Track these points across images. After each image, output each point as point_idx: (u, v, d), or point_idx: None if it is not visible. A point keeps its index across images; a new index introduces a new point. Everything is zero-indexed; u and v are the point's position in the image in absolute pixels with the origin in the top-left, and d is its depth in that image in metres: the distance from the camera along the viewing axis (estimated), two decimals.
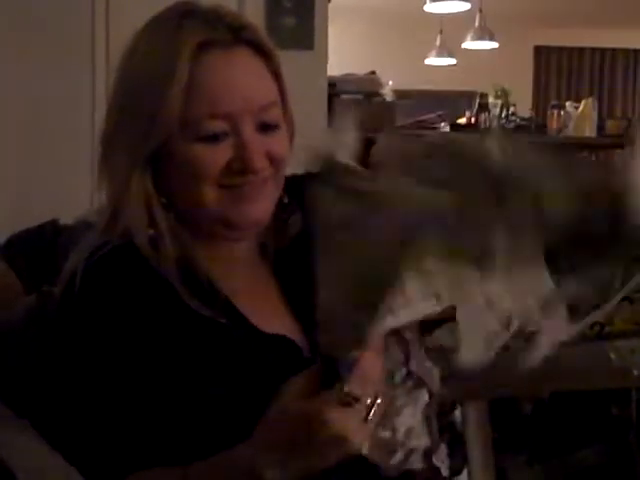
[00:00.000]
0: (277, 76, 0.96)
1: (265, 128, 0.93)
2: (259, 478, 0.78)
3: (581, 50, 8.13)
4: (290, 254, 1.01)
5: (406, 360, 0.86)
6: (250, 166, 0.91)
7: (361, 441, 0.75)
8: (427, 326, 0.94)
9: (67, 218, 1.91)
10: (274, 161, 0.94)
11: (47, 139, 3.33)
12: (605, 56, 8.18)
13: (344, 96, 3.87)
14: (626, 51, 8.18)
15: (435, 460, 1.10)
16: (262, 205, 0.95)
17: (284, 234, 1.02)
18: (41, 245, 1.69)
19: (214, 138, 0.91)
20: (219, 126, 0.90)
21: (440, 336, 0.92)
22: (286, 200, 1.01)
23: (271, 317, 0.97)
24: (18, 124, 3.30)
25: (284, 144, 0.97)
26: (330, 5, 3.85)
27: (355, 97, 3.96)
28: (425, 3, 5.07)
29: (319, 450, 0.75)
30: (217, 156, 0.91)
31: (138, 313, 0.89)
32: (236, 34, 0.93)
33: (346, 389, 0.74)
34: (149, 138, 0.91)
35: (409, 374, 0.86)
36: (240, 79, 0.92)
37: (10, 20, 3.26)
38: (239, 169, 0.91)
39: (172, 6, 0.97)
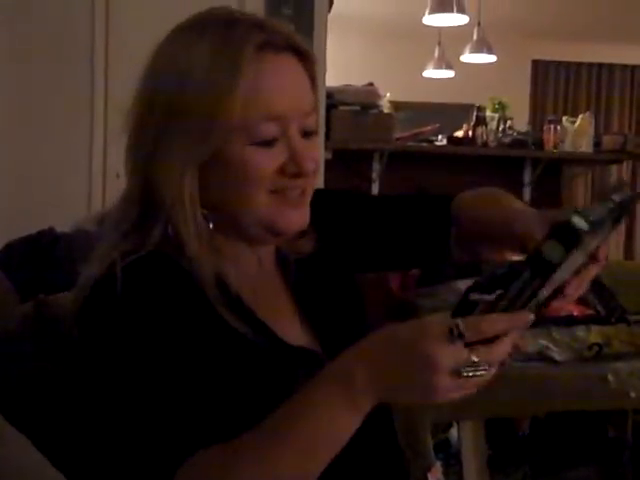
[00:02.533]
0: (314, 84, 0.98)
1: (306, 134, 0.94)
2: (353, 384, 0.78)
3: (579, 65, 8.16)
4: (306, 267, 1.03)
5: None
6: (303, 169, 0.92)
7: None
8: None
9: (63, 223, 1.91)
10: (315, 167, 0.96)
11: (45, 143, 3.33)
12: (602, 71, 8.21)
13: (342, 107, 3.88)
14: (623, 67, 8.21)
15: (431, 477, 1.10)
16: (304, 211, 0.96)
17: (301, 246, 1.03)
18: (38, 254, 1.69)
19: (267, 141, 0.91)
20: (273, 130, 0.91)
21: None
22: None
23: (290, 328, 0.98)
24: (15, 126, 3.30)
25: (319, 151, 0.99)
26: (329, 16, 3.85)
27: (353, 108, 3.97)
28: (424, 15, 5.08)
29: (429, 391, 0.77)
30: (271, 159, 0.91)
31: (177, 319, 0.88)
32: (287, 39, 0.94)
33: (475, 358, 0.75)
34: (206, 141, 0.89)
35: None
36: (291, 83, 0.93)
37: (9, 24, 3.26)
38: (292, 172, 0.92)
39: (209, 11, 0.97)
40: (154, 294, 0.89)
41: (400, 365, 0.78)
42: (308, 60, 0.96)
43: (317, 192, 0.99)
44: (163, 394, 0.84)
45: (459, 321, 0.75)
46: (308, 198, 0.97)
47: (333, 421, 0.80)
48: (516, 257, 0.97)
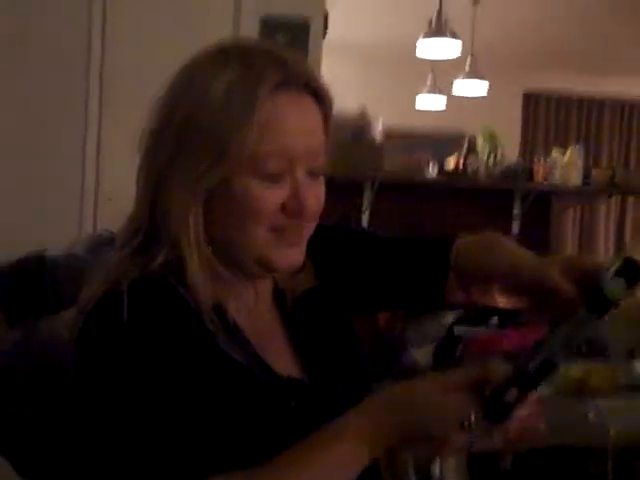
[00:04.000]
0: (327, 125, 0.98)
1: (312, 174, 0.96)
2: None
3: (569, 98, 8.24)
4: (302, 300, 1.05)
5: None
6: (305, 208, 0.93)
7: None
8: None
9: (54, 244, 1.90)
10: (318, 208, 0.97)
11: (36, 163, 3.33)
12: (592, 105, 8.29)
13: (333, 136, 3.90)
14: (613, 101, 8.29)
15: None
16: (300, 250, 0.98)
17: (298, 282, 1.05)
18: (26, 277, 1.69)
19: (273, 176, 0.92)
20: (281, 166, 0.92)
21: None
22: None
23: (279, 358, 0.99)
24: (8, 158, 3.30)
25: (324, 191, 0.99)
26: (323, 42, 3.88)
27: (344, 138, 3.98)
28: (416, 48, 5.12)
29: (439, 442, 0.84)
30: (274, 196, 0.92)
31: (179, 345, 0.90)
32: (308, 82, 0.95)
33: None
34: (213, 172, 0.90)
35: None
36: (304, 123, 0.94)
37: (8, 35, 3.27)
38: (294, 211, 0.93)
39: (234, 41, 0.99)
40: (157, 318, 0.90)
41: (415, 417, 0.86)
42: (324, 101, 0.97)
43: (318, 228, 1.00)
44: (163, 420, 0.85)
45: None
46: (306, 238, 0.98)
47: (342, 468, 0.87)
48: (501, 301, 0.99)
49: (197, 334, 0.92)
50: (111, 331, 0.88)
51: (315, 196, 0.95)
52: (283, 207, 0.93)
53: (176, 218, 0.92)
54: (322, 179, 0.98)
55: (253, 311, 1.02)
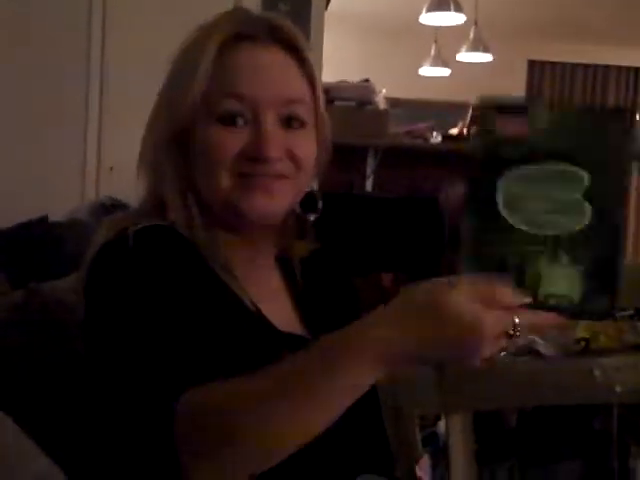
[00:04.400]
0: (311, 80, 0.99)
1: (289, 124, 0.95)
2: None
3: (574, 66, 8.17)
4: (305, 264, 1.06)
5: None
6: (263, 154, 0.92)
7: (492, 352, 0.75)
8: None
9: (56, 215, 1.90)
10: (294, 159, 0.96)
11: (39, 139, 3.32)
12: (597, 72, 8.23)
13: (337, 103, 3.88)
14: (618, 68, 8.23)
15: (418, 471, 1.11)
16: (275, 201, 0.96)
17: (298, 249, 1.05)
18: (29, 241, 1.69)
19: (232, 121, 0.93)
20: (236, 106, 0.93)
21: None
22: (299, 210, 1.04)
23: (281, 315, 0.99)
24: (11, 128, 3.30)
25: (308, 145, 0.98)
26: (326, 12, 3.85)
27: (348, 104, 3.97)
28: (421, 14, 5.08)
29: (455, 345, 0.74)
30: (232, 140, 0.93)
31: (185, 274, 0.90)
32: (272, 32, 0.96)
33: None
34: (176, 119, 0.94)
35: None
36: (267, 69, 0.95)
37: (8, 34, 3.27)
38: (252, 156, 0.93)
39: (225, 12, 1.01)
40: (165, 251, 0.91)
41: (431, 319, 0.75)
42: (296, 51, 0.97)
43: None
44: (166, 334, 0.83)
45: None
46: (286, 189, 0.96)
47: (342, 382, 0.76)
48: None
49: (204, 266, 0.93)
50: (120, 261, 0.89)
51: (285, 146, 0.94)
52: (243, 151, 0.93)
53: (161, 173, 0.96)
54: (307, 130, 0.97)
55: (256, 270, 1.01)
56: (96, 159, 3.39)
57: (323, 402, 0.76)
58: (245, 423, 0.75)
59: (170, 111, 0.95)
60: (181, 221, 0.94)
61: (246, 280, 0.97)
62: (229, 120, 0.93)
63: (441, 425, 1.04)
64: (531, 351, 1.00)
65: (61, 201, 2.91)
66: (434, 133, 4.70)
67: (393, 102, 4.69)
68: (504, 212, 0.80)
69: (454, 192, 1.09)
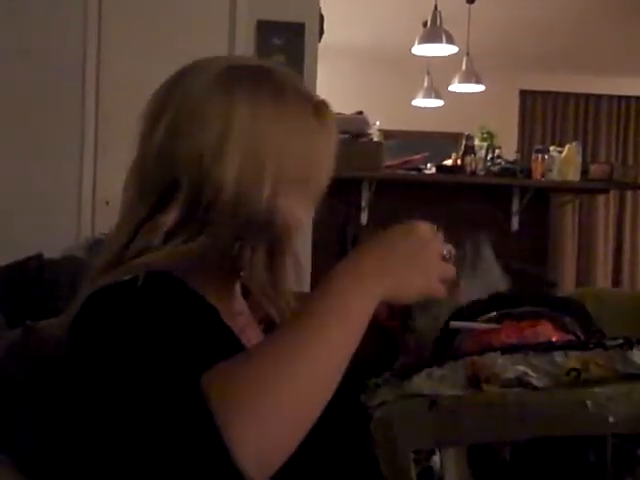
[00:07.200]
0: None
1: None
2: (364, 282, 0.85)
3: (566, 95, 8.24)
4: None
5: None
6: None
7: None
8: (406, 372, 0.95)
9: (52, 250, 1.91)
10: None
11: (34, 169, 3.33)
12: (589, 102, 8.29)
13: None
14: (610, 97, 8.30)
15: None
16: None
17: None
18: (25, 279, 1.69)
19: None
20: None
21: (418, 382, 0.94)
22: None
23: None
24: (6, 162, 3.31)
25: None
26: (320, 45, 3.90)
27: (342, 137, 4.01)
28: (413, 45, 5.14)
29: (427, 270, 0.90)
30: None
31: (190, 316, 0.88)
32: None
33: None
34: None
35: None
36: None
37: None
38: None
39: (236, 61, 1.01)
40: (169, 294, 0.89)
41: (401, 249, 0.90)
42: None
43: None
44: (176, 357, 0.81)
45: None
46: None
47: (347, 307, 0.83)
48: None
49: (208, 311, 0.93)
50: (124, 301, 0.87)
51: None
52: None
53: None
54: None
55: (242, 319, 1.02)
56: (91, 193, 3.41)
57: (338, 335, 0.81)
58: (277, 369, 0.77)
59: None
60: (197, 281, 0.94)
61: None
62: None
63: (435, 459, 1.04)
64: (523, 384, 1.00)
65: (57, 235, 2.91)
66: (428, 164, 4.73)
67: (387, 134, 4.72)
68: None
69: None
